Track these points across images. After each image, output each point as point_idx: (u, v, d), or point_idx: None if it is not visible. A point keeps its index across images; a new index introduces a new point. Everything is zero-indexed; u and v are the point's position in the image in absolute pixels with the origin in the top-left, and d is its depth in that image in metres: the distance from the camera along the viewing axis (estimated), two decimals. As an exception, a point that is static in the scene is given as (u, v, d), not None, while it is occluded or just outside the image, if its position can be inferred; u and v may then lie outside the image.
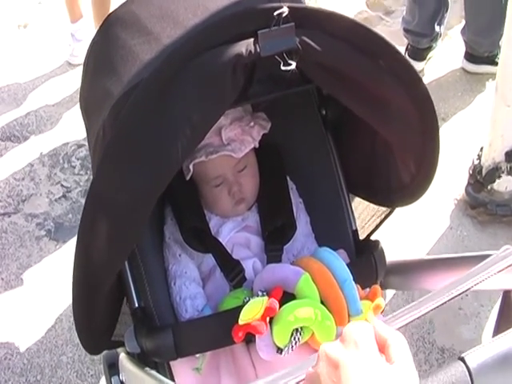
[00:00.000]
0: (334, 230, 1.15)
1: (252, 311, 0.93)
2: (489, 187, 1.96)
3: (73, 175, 2.06)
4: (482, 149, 1.96)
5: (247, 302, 0.99)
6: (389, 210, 1.14)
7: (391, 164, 1.04)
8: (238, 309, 0.96)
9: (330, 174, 1.16)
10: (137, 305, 1.03)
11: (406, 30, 2.39)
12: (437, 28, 2.34)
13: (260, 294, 0.98)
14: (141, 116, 0.81)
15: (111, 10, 1.05)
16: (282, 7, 0.80)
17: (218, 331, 0.96)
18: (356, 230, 1.15)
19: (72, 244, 1.89)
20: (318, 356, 0.54)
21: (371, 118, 0.95)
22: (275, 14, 0.80)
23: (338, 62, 0.85)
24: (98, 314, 0.99)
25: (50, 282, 1.80)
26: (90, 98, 1.04)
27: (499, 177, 1.93)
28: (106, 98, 0.92)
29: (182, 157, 0.83)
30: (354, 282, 0.98)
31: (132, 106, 0.81)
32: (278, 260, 1.10)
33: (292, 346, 0.95)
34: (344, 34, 0.84)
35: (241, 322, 0.93)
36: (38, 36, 2.69)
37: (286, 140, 1.17)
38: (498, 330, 0.90)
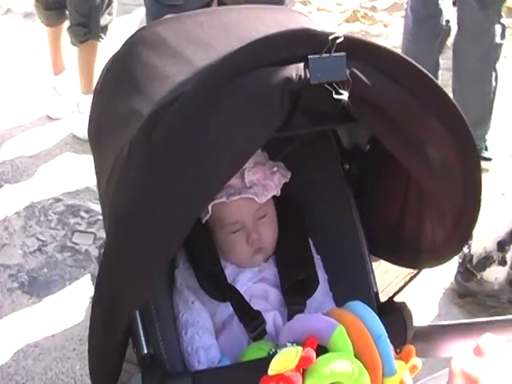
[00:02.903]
0: (354, 291, 1.12)
1: (285, 361, 0.88)
2: (479, 277, 1.99)
3: (49, 229, 1.99)
4: (472, 237, 2.00)
5: (274, 353, 0.94)
6: (414, 272, 1.13)
7: (424, 221, 1.02)
8: (266, 359, 0.92)
9: (351, 233, 1.13)
10: (146, 351, 0.97)
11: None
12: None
13: (289, 345, 0.94)
14: (181, 130, 0.78)
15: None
16: (336, 33, 0.79)
17: (245, 381, 0.91)
18: (377, 293, 1.13)
19: (48, 299, 1.81)
20: (450, 373, 0.51)
21: (412, 164, 0.93)
22: (330, 38, 0.78)
23: (385, 99, 0.84)
24: (112, 355, 0.93)
25: (21, 336, 1.71)
26: (106, 119, 1.01)
27: (490, 266, 1.96)
28: (132, 118, 0.89)
29: (223, 179, 0.80)
30: (388, 339, 0.95)
31: (172, 120, 0.78)
32: (301, 310, 1.07)
33: (323, 403, 0.90)
34: (393, 70, 0.83)
35: (271, 372, 0.88)
36: (22, 84, 2.69)
37: (304, 194, 1.16)
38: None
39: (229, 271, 1.07)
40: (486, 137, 2.38)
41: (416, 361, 0.97)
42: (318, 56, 0.79)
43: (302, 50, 0.79)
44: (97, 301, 0.86)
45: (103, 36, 2.31)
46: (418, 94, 0.84)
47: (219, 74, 0.79)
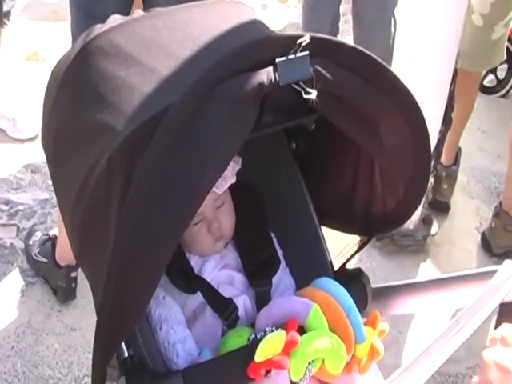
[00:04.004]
0: (310, 262, 1.19)
1: (272, 346, 0.94)
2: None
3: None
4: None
5: (254, 339, 1.00)
6: (364, 238, 1.21)
7: (375, 191, 1.10)
8: (249, 346, 0.97)
9: (303, 208, 1.20)
10: (127, 354, 1.00)
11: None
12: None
13: (268, 329, 0.99)
14: (171, 149, 0.80)
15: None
16: (303, 35, 0.84)
17: (234, 371, 0.96)
18: (331, 262, 1.21)
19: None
20: (483, 364, 0.58)
21: (367, 143, 1.01)
22: (298, 42, 0.84)
23: (345, 90, 0.91)
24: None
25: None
26: (67, 132, 0.99)
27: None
28: (102, 131, 0.89)
29: (208, 187, 0.83)
30: (356, 309, 1.03)
31: (160, 140, 0.80)
32: (268, 294, 1.12)
33: (306, 379, 0.97)
34: (349, 62, 0.90)
35: (259, 358, 0.94)
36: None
37: (254, 175, 1.20)
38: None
39: (194, 262, 1.11)
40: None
41: (383, 325, 1.06)
42: (284, 58, 0.84)
43: (271, 54, 0.84)
44: (104, 307, 0.86)
45: (7, 22, 2.25)
46: (375, 82, 0.92)
47: (202, 86, 0.81)
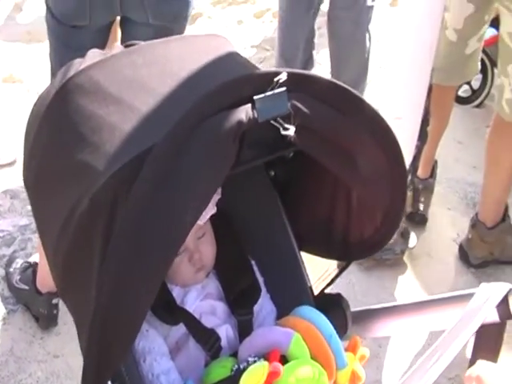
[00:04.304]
0: (291, 288, 1.21)
1: (255, 378, 0.96)
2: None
3: None
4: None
5: (237, 369, 1.02)
6: (343, 264, 1.24)
7: (353, 218, 1.13)
8: (233, 377, 0.99)
9: (282, 235, 1.22)
10: None
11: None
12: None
13: (251, 360, 1.02)
14: (154, 193, 0.82)
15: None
16: (281, 72, 0.86)
17: (218, 403, 0.98)
18: (311, 287, 1.23)
19: None
20: None
21: (345, 173, 1.03)
22: (275, 79, 0.86)
23: (322, 124, 0.93)
24: None
25: None
26: (47, 170, 1.00)
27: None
28: (82, 171, 0.90)
29: (190, 226, 0.86)
30: (337, 336, 1.06)
31: (144, 182, 0.82)
32: (250, 323, 1.14)
33: (289, 408, 0.99)
34: (325, 95, 0.92)
35: (242, 390, 0.96)
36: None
37: (234, 204, 1.22)
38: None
39: (176, 293, 1.13)
40: (364, 94, 2.55)
41: (363, 350, 1.09)
42: (262, 96, 0.86)
43: (249, 92, 0.86)
44: (90, 349, 0.88)
45: None
46: (350, 114, 0.95)
47: (184, 126, 0.83)
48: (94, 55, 1.04)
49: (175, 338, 1.10)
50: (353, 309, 1.20)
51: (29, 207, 2.11)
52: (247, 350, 1.04)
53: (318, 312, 1.08)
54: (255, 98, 0.85)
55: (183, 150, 0.82)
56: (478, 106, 3.03)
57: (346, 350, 1.09)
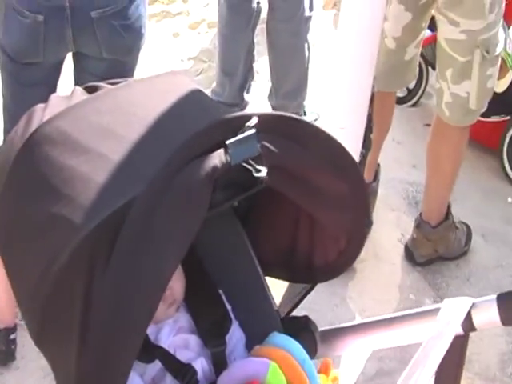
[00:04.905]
0: (259, 314, 1.25)
1: (237, 410, 1.01)
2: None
3: None
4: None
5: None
6: (308, 286, 1.29)
7: (316, 244, 1.18)
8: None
9: (246, 261, 1.26)
10: None
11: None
12: (246, 97, 2.61)
13: (231, 392, 1.06)
14: (136, 245, 0.85)
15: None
16: (251, 117, 0.90)
17: None
18: (278, 311, 1.28)
19: None
20: None
21: (310, 204, 1.08)
22: (247, 124, 0.90)
23: (289, 161, 0.97)
24: None
25: None
26: (17, 225, 1.00)
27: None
28: (56, 224, 0.91)
29: (171, 275, 0.89)
30: (310, 360, 1.11)
31: (127, 237, 0.84)
32: (224, 354, 1.17)
33: None
34: (289, 132, 0.96)
35: (224, 424, 1.00)
36: None
37: (198, 235, 1.25)
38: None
39: (149, 331, 1.14)
40: (304, 103, 2.62)
41: (335, 372, 1.15)
42: (233, 140, 0.89)
43: (221, 137, 0.89)
44: None
45: None
46: (313, 147, 0.99)
47: (162, 178, 0.85)
48: (56, 102, 1.05)
49: (151, 375, 1.12)
50: (320, 328, 1.26)
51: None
52: (227, 382, 1.07)
53: (289, 338, 1.13)
54: (227, 143, 0.88)
55: (163, 203, 0.85)
56: (413, 106, 3.15)
57: (319, 372, 1.14)
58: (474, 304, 1.07)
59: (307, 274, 1.24)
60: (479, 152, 2.75)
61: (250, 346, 1.19)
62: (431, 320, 1.08)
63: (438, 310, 1.09)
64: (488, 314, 1.04)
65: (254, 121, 0.89)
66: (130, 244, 0.84)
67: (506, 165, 3.08)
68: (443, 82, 2.13)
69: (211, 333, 1.18)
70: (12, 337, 1.83)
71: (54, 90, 1.77)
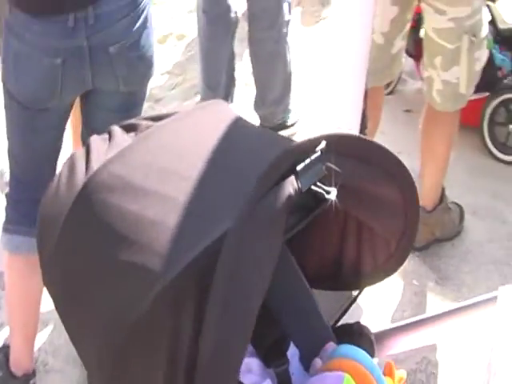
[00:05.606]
0: (311, 328, 1.27)
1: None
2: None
3: None
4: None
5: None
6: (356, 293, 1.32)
7: (364, 250, 1.20)
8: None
9: (294, 277, 1.26)
10: None
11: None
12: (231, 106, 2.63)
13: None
14: (234, 281, 0.85)
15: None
16: (320, 141, 0.92)
17: None
18: (328, 322, 1.30)
19: None
20: None
21: (365, 214, 1.11)
22: (317, 149, 0.91)
23: (352, 179, 1.00)
24: None
25: None
26: (78, 274, 0.98)
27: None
28: (128, 271, 0.90)
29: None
30: (377, 366, 1.15)
31: (222, 279, 0.84)
32: (288, 372, 1.20)
33: None
34: (351, 151, 0.99)
35: None
36: None
37: None
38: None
39: None
40: (290, 107, 2.65)
41: (400, 373, 1.18)
42: (303, 165, 0.90)
43: (292, 164, 0.90)
44: None
45: None
46: (376, 164, 1.02)
47: (248, 211, 0.85)
48: (98, 145, 1.03)
49: None
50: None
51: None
52: (302, 402, 1.10)
53: (355, 348, 1.16)
54: (298, 169, 0.90)
55: (249, 234, 0.85)
56: (390, 93, 3.22)
57: (384, 375, 1.18)
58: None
59: (355, 280, 1.26)
60: (462, 131, 2.82)
61: (304, 360, 1.22)
62: (490, 309, 1.13)
63: (495, 298, 1.14)
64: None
65: (322, 145, 0.91)
66: (229, 280, 0.84)
67: (487, 140, 3.18)
68: (433, 71, 2.19)
69: (273, 353, 1.20)
70: (32, 382, 1.81)
71: (63, 133, 1.77)
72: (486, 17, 2.23)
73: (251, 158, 0.96)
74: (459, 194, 3.06)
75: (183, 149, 0.99)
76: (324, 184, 0.95)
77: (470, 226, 3.12)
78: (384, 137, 3.04)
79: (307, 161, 0.91)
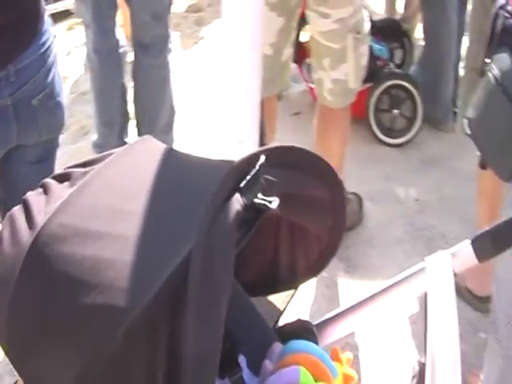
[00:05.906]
0: (253, 333, 1.33)
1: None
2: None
3: None
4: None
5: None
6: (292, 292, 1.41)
7: (297, 250, 1.27)
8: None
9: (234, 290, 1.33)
10: None
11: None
12: (127, 141, 2.67)
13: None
14: (208, 299, 0.88)
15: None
16: (259, 157, 0.95)
17: None
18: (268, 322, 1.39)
19: None
20: None
21: (296, 215, 1.17)
22: (257, 165, 0.94)
23: (284, 186, 1.03)
24: None
25: None
26: (38, 326, 0.97)
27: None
28: (96, 314, 0.91)
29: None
30: (324, 352, 1.25)
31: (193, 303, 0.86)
32: (242, 379, 1.26)
33: None
34: (281, 159, 1.03)
35: None
36: None
37: None
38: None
39: None
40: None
41: (346, 355, 1.29)
42: (245, 181, 0.94)
43: (236, 181, 0.94)
44: None
45: None
46: (304, 168, 1.08)
47: (203, 235, 0.88)
48: (36, 200, 1.04)
49: None
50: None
51: None
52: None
53: (302, 341, 1.25)
54: (242, 185, 0.93)
55: (212, 249, 0.88)
56: (278, 100, 3.36)
57: (332, 360, 1.28)
58: (452, 254, 1.24)
59: (290, 281, 1.33)
60: (351, 124, 3.00)
61: (251, 364, 1.28)
62: (421, 279, 1.26)
63: (424, 269, 1.27)
64: (466, 258, 1.22)
65: (261, 159, 0.95)
66: (201, 293, 0.86)
67: (374, 128, 3.39)
68: (322, 72, 2.31)
69: (226, 363, 1.21)
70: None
71: None
72: (366, 12, 2.37)
73: (196, 182, 1.00)
74: (355, 183, 3.26)
75: (127, 187, 1.01)
76: (263, 195, 0.99)
77: (370, 212, 3.34)
78: (276, 142, 3.19)
79: (248, 177, 0.94)
